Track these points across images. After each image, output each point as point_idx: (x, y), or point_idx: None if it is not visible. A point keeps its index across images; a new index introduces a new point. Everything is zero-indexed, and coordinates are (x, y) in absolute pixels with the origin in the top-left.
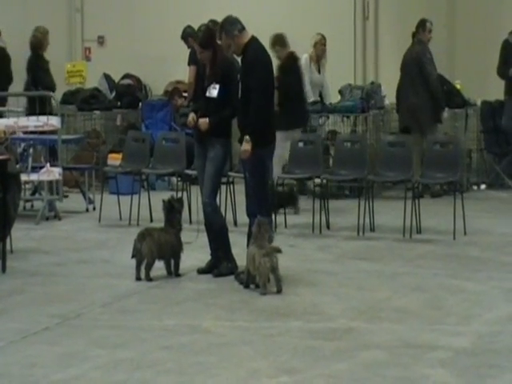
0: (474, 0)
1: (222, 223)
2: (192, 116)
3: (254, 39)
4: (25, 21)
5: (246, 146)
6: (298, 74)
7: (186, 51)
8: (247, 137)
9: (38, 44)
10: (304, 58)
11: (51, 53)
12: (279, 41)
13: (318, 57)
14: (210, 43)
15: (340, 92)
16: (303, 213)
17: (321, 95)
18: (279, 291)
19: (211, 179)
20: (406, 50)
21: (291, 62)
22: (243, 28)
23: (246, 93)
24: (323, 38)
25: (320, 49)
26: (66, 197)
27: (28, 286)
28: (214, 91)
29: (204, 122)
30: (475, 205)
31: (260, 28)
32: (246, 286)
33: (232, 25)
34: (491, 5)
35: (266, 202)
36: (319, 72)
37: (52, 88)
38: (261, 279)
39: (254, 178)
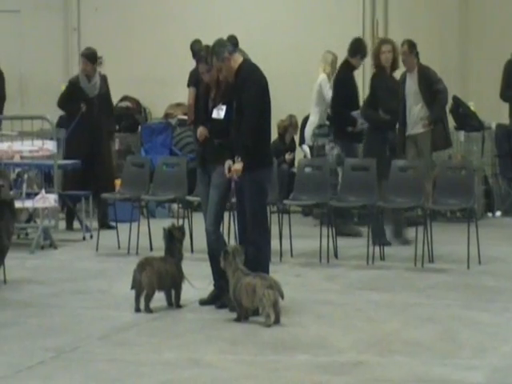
0: (487, 21)
1: None
2: (202, 130)
3: (246, 61)
4: (20, 39)
5: (237, 166)
6: None
7: (186, 73)
8: (238, 157)
9: None
10: (323, 79)
11: (46, 73)
12: None
13: (329, 76)
14: None
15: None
16: (310, 241)
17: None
18: (277, 322)
19: (215, 206)
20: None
21: None
22: (234, 50)
23: (239, 113)
24: (336, 57)
25: (334, 68)
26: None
27: (22, 317)
28: (221, 112)
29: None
30: (490, 232)
31: (266, 47)
32: (239, 320)
33: (221, 47)
34: (505, 26)
35: (266, 227)
36: None
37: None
38: (264, 311)
39: (252, 202)
